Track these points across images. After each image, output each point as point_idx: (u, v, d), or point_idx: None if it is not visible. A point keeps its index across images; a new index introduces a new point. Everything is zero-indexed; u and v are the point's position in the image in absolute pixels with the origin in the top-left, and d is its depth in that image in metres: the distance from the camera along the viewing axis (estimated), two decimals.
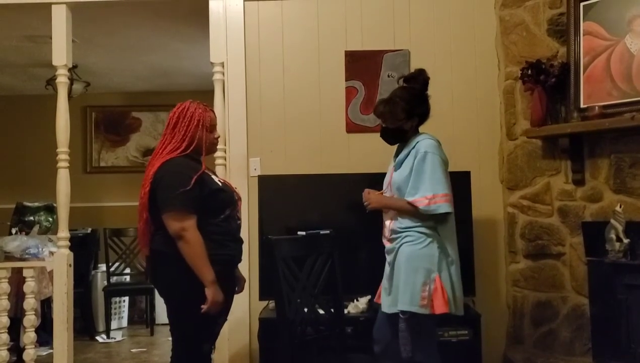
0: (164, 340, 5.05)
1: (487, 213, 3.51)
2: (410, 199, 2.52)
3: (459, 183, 3.28)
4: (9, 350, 3.71)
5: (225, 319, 2.57)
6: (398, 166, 2.63)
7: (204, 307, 2.32)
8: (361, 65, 3.59)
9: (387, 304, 2.61)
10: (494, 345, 3.41)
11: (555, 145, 3.23)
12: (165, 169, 2.38)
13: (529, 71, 3.20)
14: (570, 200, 3.21)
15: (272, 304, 3.21)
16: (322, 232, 2.95)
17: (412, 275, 2.50)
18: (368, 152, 3.48)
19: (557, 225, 3.25)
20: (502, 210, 3.52)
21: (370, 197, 2.67)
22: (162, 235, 2.39)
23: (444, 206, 2.49)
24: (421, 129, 2.71)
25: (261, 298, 3.33)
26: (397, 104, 2.62)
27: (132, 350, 4.91)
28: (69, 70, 3.76)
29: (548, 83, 3.14)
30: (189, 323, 2.41)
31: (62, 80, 3.66)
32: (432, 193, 2.49)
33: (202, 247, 2.32)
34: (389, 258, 2.64)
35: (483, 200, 3.47)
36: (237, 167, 3.58)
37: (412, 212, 2.54)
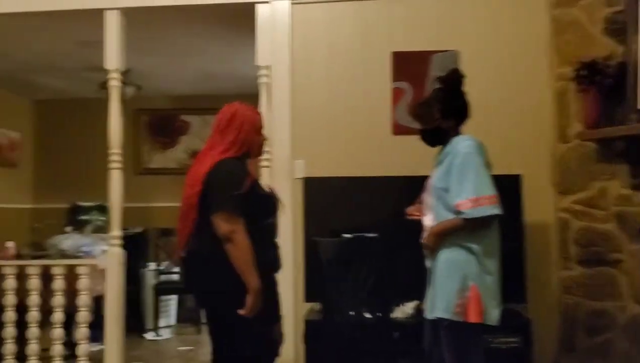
0: None
1: (538, 218, 3.41)
2: (454, 202, 2.42)
3: (509, 187, 3.22)
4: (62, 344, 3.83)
5: (277, 326, 2.53)
6: (437, 166, 2.57)
7: (242, 311, 2.26)
8: (409, 66, 3.55)
9: (428, 309, 2.57)
10: (545, 353, 3.32)
11: (610, 148, 3.11)
12: (219, 169, 2.35)
13: (584, 72, 3.09)
14: (629, 205, 3.08)
15: (317, 306, 3.20)
16: (368, 235, 2.93)
17: (449, 282, 2.44)
18: (415, 155, 3.41)
19: (613, 231, 3.12)
20: (554, 215, 3.41)
21: (426, 243, 2.55)
22: (205, 237, 2.33)
23: (489, 208, 2.37)
24: (467, 128, 2.63)
25: (307, 300, 3.33)
26: (431, 105, 2.60)
27: (179, 349, 4.99)
28: (121, 73, 3.85)
29: (604, 84, 3.03)
30: (229, 327, 2.35)
31: (114, 83, 3.76)
32: (475, 195, 2.37)
33: (250, 251, 2.28)
34: (429, 262, 2.59)
35: (534, 205, 3.37)
36: (281, 169, 3.59)
37: (462, 226, 2.42)
